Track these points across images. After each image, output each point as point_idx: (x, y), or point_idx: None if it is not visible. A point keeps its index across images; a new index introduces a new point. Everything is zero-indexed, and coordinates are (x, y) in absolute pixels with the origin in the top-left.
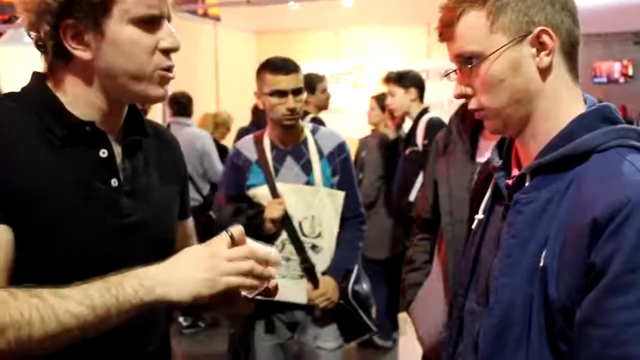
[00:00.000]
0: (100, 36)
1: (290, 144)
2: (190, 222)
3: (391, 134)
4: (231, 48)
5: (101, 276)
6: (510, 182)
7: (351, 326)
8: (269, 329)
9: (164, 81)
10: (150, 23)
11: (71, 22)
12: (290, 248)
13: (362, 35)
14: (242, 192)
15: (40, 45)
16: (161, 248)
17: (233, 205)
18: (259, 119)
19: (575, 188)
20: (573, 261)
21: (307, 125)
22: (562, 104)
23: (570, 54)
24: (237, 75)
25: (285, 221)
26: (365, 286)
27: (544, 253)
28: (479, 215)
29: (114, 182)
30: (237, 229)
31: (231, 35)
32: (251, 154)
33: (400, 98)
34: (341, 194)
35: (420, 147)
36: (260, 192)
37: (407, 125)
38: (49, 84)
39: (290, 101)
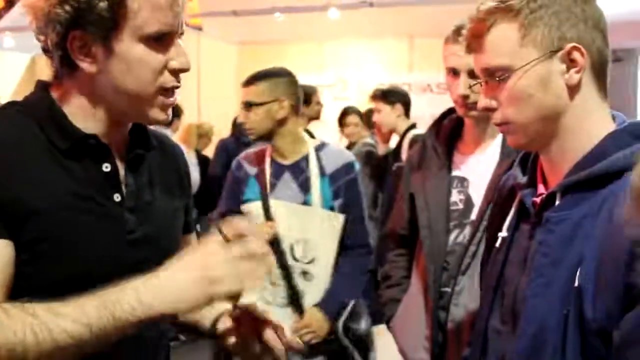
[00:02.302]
0: (108, 51)
1: (290, 159)
2: (194, 236)
3: (380, 150)
4: (213, 58)
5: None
6: (538, 200)
7: None
8: None
9: (165, 106)
10: (161, 41)
11: (79, 33)
12: (276, 273)
13: (346, 47)
14: (238, 206)
15: (46, 51)
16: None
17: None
18: (239, 131)
19: (610, 207)
20: (611, 281)
21: (312, 141)
22: (590, 121)
23: (599, 72)
24: (219, 86)
25: (273, 243)
26: (364, 325)
27: (578, 272)
28: (503, 233)
29: (117, 198)
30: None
31: (214, 45)
32: (251, 166)
33: (387, 114)
34: (340, 218)
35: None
36: (254, 208)
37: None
38: (53, 94)
39: (241, 114)
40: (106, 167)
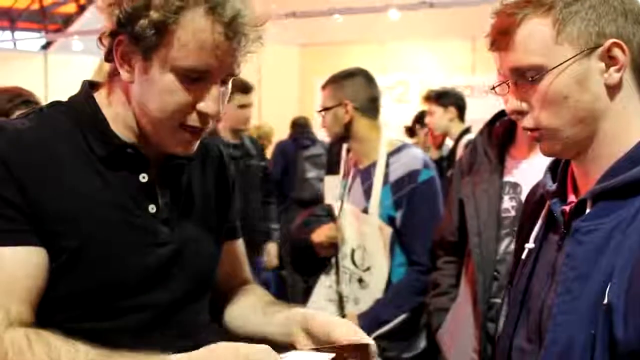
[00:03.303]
0: (143, 67)
1: (363, 164)
2: (239, 243)
3: (433, 154)
4: (274, 61)
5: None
6: (567, 208)
7: None
8: None
9: (187, 142)
10: (197, 79)
11: (125, 39)
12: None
13: (407, 48)
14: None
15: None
16: (199, 277)
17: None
18: (298, 133)
19: None
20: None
21: (390, 144)
22: (630, 125)
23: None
24: (279, 89)
25: (336, 246)
26: (410, 347)
27: (608, 288)
28: (530, 245)
29: (152, 209)
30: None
31: (274, 48)
32: (344, 168)
33: (440, 117)
34: (388, 230)
35: None
36: (335, 209)
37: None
38: (98, 96)
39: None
40: (143, 178)
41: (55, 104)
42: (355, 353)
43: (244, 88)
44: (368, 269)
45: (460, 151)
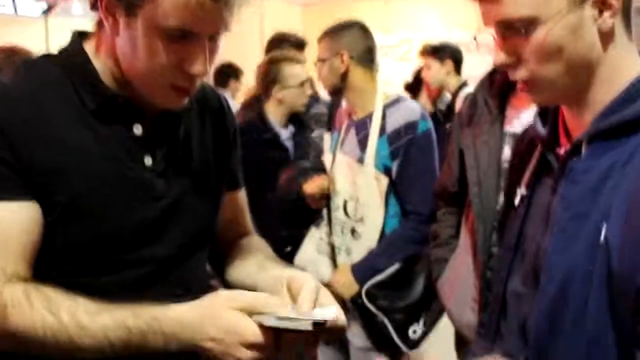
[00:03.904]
0: (127, 22)
1: (358, 115)
2: (241, 193)
3: (428, 108)
4: (277, 20)
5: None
6: (562, 151)
7: (375, 333)
8: None
9: (175, 98)
10: (181, 38)
11: None
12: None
13: (411, 6)
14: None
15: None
16: (197, 230)
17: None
18: None
19: None
20: (636, 238)
21: (386, 96)
22: (623, 68)
23: (627, 12)
24: None
25: (328, 197)
26: (407, 295)
27: (604, 226)
28: (522, 190)
29: (148, 161)
30: (270, 318)
31: (278, 7)
32: (339, 121)
33: (436, 71)
34: (384, 180)
35: None
36: (327, 161)
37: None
38: (87, 47)
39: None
40: (137, 129)
41: (45, 57)
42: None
43: (298, 44)
44: (361, 219)
45: (459, 104)
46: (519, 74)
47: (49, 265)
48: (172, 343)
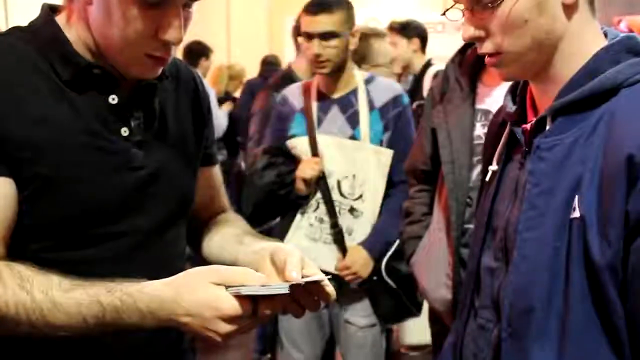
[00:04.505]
0: None
1: (338, 93)
2: (216, 169)
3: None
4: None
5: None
6: (528, 126)
7: (388, 306)
8: None
9: (152, 68)
10: (156, 4)
11: None
12: (324, 209)
13: None
14: (281, 143)
15: None
16: (177, 200)
17: (266, 158)
18: (267, 71)
19: (606, 126)
20: (613, 209)
21: (361, 73)
22: (586, 43)
23: None
24: (248, 25)
25: (320, 179)
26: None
27: (576, 201)
28: (493, 167)
29: (125, 132)
30: (248, 289)
31: None
32: (297, 102)
33: (404, 48)
34: (388, 153)
35: None
36: (300, 144)
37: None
38: (59, 19)
39: (315, 46)
40: (113, 99)
41: (14, 29)
42: (306, 290)
43: None
44: (360, 196)
45: (427, 82)
46: (486, 47)
47: (29, 240)
48: (147, 319)
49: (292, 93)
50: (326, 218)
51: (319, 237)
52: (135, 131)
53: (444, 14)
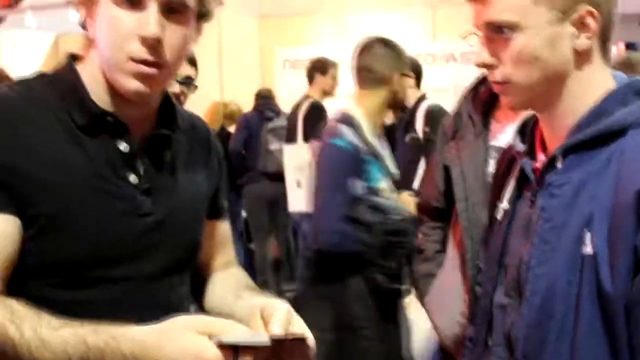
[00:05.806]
0: (97, 11)
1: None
2: (224, 224)
3: (388, 120)
4: (235, 33)
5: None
6: (538, 165)
7: None
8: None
9: (137, 74)
10: (134, 4)
11: None
12: None
13: (367, 18)
14: (353, 198)
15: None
16: (182, 249)
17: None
18: (261, 105)
19: (615, 166)
20: (623, 245)
21: None
22: (594, 86)
23: (606, 36)
24: (241, 61)
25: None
26: None
27: (588, 238)
28: (504, 205)
29: (133, 179)
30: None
31: (234, 19)
32: (359, 142)
33: None
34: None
35: (420, 134)
36: (385, 188)
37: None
38: (79, 67)
39: None
40: (125, 148)
41: (40, 74)
42: (290, 347)
43: None
44: None
45: (420, 117)
46: (496, 75)
47: (30, 278)
48: None
49: (349, 134)
50: None
51: None
52: (144, 179)
53: (464, 38)
